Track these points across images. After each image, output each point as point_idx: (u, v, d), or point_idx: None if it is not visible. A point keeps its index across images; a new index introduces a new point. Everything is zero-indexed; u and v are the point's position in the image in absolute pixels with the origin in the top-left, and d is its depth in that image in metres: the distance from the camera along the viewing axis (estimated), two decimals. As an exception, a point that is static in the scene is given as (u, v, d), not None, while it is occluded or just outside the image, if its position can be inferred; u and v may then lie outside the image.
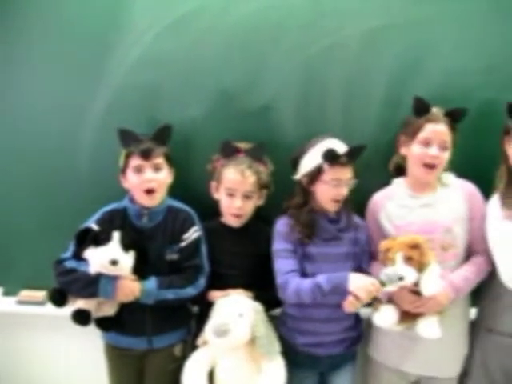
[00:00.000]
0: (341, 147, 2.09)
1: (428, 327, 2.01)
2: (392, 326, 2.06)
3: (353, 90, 2.35)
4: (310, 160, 2.12)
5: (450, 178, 2.21)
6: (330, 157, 2.06)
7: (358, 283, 1.99)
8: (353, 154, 2.08)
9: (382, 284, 1.96)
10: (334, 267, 2.11)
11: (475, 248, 2.16)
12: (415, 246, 1.98)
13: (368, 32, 2.32)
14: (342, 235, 2.15)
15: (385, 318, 2.04)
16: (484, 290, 2.19)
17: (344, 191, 2.11)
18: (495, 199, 2.09)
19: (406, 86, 2.32)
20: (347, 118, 2.36)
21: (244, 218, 2.24)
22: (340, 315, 2.09)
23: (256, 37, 2.34)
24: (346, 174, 2.10)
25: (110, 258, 2.00)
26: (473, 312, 2.25)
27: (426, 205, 2.15)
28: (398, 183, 2.24)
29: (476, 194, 2.17)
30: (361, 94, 2.35)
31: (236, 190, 2.18)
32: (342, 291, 2.00)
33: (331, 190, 2.10)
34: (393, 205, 2.20)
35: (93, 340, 2.35)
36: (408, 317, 2.04)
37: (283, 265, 2.12)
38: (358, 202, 2.23)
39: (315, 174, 2.11)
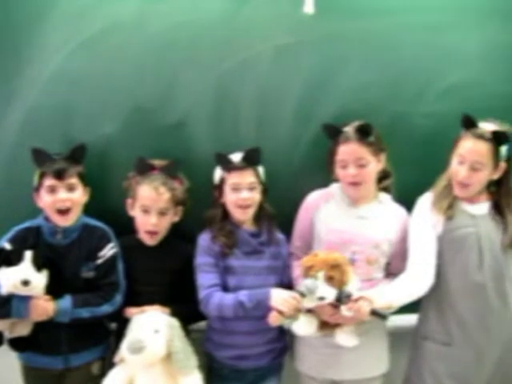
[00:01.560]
0: (238, 155, 2.16)
1: (345, 336, 2.07)
2: (310, 334, 2.11)
3: (265, 106, 2.41)
4: (217, 173, 2.21)
5: (387, 198, 2.29)
6: (223, 162, 2.16)
7: (279, 298, 2.05)
8: (248, 158, 2.15)
9: (302, 295, 2.00)
10: (256, 280, 2.16)
11: (395, 266, 2.24)
12: (336, 266, 2.02)
13: (279, 48, 2.39)
14: (263, 249, 2.21)
15: (304, 327, 2.08)
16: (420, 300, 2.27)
17: (245, 195, 2.16)
18: (428, 195, 2.21)
19: (316, 101, 2.41)
20: (260, 133, 2.41)
21: (159, 235, 2.25)
22: (263, 327, 2.14)
23: (169, 54, 2.36)
24: (244, 178, 2.16)
25: (21, 278, 1.98)
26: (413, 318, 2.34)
27: (361, 217, 2.22)
28: (337, 187, 2.29)
29: (407, 220, 2.26)
30: (273, 109, 2.41)
31: (151, 206, 2.19)
32: (263, 307, 2.05)
33: (233, 196, 2.16)
34: (329, 208, 2.26)
35: (9, 361, 2.30)
36: (326, 326, 2.10)
37: (205, 279, 2.16)
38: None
39: (220, 185, 2.19)
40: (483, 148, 2.08)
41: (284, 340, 2.32)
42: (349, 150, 2.16)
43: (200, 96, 2.38)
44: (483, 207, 2.16)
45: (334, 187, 2.30)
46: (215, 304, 2.11)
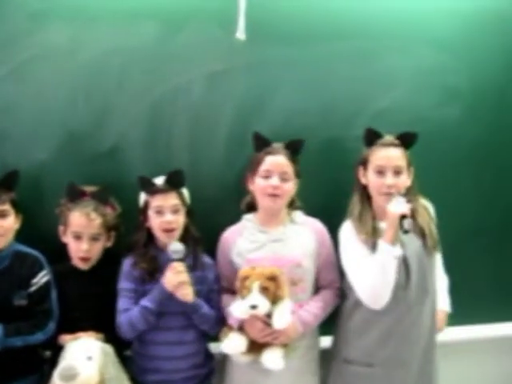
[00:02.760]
0: (161, 178, 2.19)
1: (272, 358, 2.08)
2: (239, 355, 2.13)
3: (198, 131, 2.46)
4: (141, 197, 2.23)
5: (299, 215, 2.32)
6: (145, 185, 2.19)
7: (169, 278, 2.09)
8: (171, 181, 2.18)
9: (180, 260, 2.11)
10: (179, 306, 2.15)
11: (322, 283, 2.28)
12: (273, 278, 2.06)
13: (211, 74, 2.44)
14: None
15: (233, 344, 2.10)
16: (336, 323, 2.31)
17: (169, 218, 2.17)
18: (348, 224, 2.22)
19: (249, 125, 2.45)
20: (194, 158, 2.45)
21: (92, 260, 2.26)
22: (187, 353, 2.18)
23: (101, 80, 2.39)
24: (167, 200, 2.17)
25: None
26: (327, 340, 2.37)
27: (276, 240, 2.24)
28: (248, 219, 2.32)
29: (323, 231, 2.30)
30: (206, 133, 2.46)
31: (82, 232, 2.20)
32: (167, 297, 2.10)
33: (157, 219, 2.18)
34: (243, 240, 2.26)
35: None
36: (255, 347, 2.11)
37: (121, 304, 2.17)
38: (209, 239, 2.31)
39: (145, 209, 2.21)
40: (397, 153, 2.17)
41: (210, 365, 2.34)
42: (277, 162, 2.20)
43: (133, 121, 2.41)
44: (409, 223, 2.16)
45: (246, 218, 2.33)
46: (126, 323, 2.13)
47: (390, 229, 2.04)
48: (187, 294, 2.10)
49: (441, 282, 2.37)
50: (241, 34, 2.41)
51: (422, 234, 2.19)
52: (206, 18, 2.44)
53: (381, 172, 2.15)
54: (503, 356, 2.88)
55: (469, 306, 2.59)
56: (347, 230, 2.22)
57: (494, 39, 2.71)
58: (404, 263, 2.14)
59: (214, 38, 2.44)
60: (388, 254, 2.03)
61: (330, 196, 2.39)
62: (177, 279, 2.08)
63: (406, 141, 2.19)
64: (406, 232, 2.01)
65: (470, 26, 2.68)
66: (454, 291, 2.43)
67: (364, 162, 2.23)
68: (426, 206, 2.28)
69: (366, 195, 2.23)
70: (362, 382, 2.22)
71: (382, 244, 2.05)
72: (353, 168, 2.29)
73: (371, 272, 2.07)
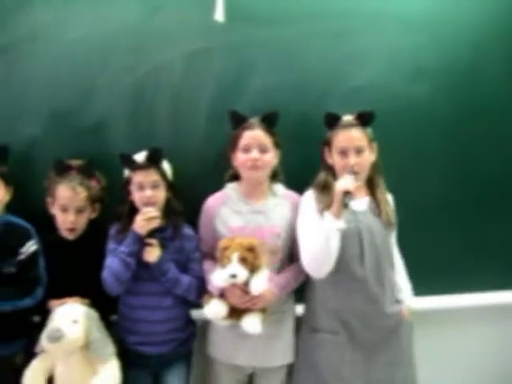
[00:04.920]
0: (141, 155, 2.31)
1: (251, 323, 2.21)
2: (220, 320, 2.26)
3: (180, 107, 2.57)
4: (125, 172, 2.35)
5: (280, 188, 2.44)
6: (126, 162, 2.31)
7: (138, 223, 2.24)
8: (151, 158, 2.29)
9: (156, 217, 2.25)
10: (155, 272, 2.29)
11: (296, 253, 2.38)
12: (251, 249, 2.18)
13: (190, 54, 2.55)
14: (166, 243, 2.32)
15: (214, 310, 2.23)
16: (305, 292, 2.44)
17: (148, 193, 2.29)
18: (310, 193, 2.34)
19: (228, 102, 2.55)
20: (175, 133, 2.57)
21: (78, 230, 2.38)
22: (168, 317, 2.33)
23: (86, 59, 2.50)
24: (147, 177, 2.29)
25: None
26: (299, 309, 2.49)
27: (258, 211, 2.36)
28: (232, 188, 2.42)
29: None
30: (187, 110, 2.57)
31: (68, 205, 2.32)
32: (137, 239, 2.25)
33: (138, 194, 2.30)
34: (227, 209, 2.37)
35: None
36: (235, 312, 2.24)
37: (106, 261, 2.30)
38: (190, 210, 2.42)
39: (127, 184, 2.33)
40: (357, 133, 2.29)
41: (190, 330, 2.46)
42: (254, 135, 2.32)
43: (117, 98, 2.53)
44: (363, 202, 2.32)
45: (229, 188, 2.43)
46: (109, 275, 2.25)
47: (335, 203, 2.16)
48: (151, 255, 2.25)
49: (398, 264, 2.46)
50: (219, 16, 2.51)
51: (378, 212, 2.33)
52: (187, -1, 2.55)
53: (343, 152, 2.28)
54: (468, 326, 2.99)
55: (435, 277, 2.74)
56: (308, 197, 2.34)
57: (464, 17, 2.79)
58: (358, 237, 2.27)
59: (193, 19, 2.54)
60: (331, 225, 2.15)
61: (303, 169, 2.47)
62: (146, 215, 2.23)
63: (364, 120, 2.31)
64: (345, 206, 2.14)
65: (441, 4, 2.76)
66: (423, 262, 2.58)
67: (328, 143, 2.36)
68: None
69: (331, 173, 2.36)
70: (328, 349, 2.33)
71: (327, 215, 2.17)
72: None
73: (315, 239, 2.19)
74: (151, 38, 2.52)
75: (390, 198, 2.42)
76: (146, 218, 2.23)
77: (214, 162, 2.56)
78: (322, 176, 2.37)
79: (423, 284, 2.54)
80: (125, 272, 2.25)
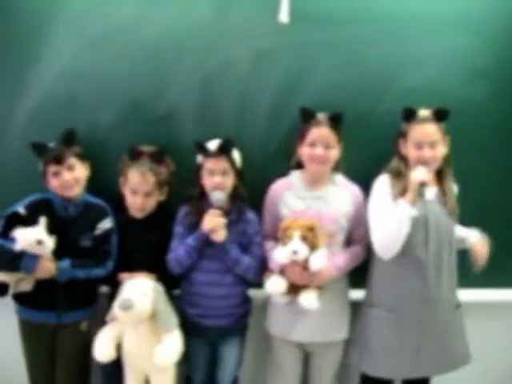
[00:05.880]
0: (215, 143, 2.48)
1: (308, 298, 2.36)
2: (279, 296, 2.42)
3: (244, 102, 2.73)
4: (198, 158, 2.53)
5: (340, 178, 2.60)
6: (200, 149, 2.48)
7: (206, 222, 2.40)
8: (222, 147, 2.45)
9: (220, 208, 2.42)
10: (219, 251, 2.47)
11: (354, 238, 2.58)
12: (311, 229, 2.35)
13: (256, 53, 2.72)
14: (230, 226, 2.48)
15: (274, 285, 2.38)
16: (368, 270, 2.59)
17: (218, 179, 2.45)
18: (384, 177, 2.49)
19: (290, 99, 2.72)
20: (239, 126, 2.74)
21: (146, 210, 2.57)
22: (227, 293, 2.51)
23: (160, 54, 2.70)
24: (218, 164, 2.46)
25: (36, 237, 2.30)
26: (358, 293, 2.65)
27: (319, 198, 2.52)
28: (296, 176, 2.59)
29: (360, 195, 2.57)
30: (251, 105, 2.73)
31: (138, 189, 2.51)
32: (202, 237, 2.42)
33: (208, 180, 2.48)
34: (290, 194, 2.54)
35: (7, 316, 2.63)
36: (294, 289, 2.40)
37: (172, 244, 2.52)
38: (254, 196, 2.60)
39: (199, 169, 2.51)
40: (432, 128, 2.43)
41: (246, 307, 2.63)
42: (321, 133, 2.47)
43: (187, 92, 2.72)
44: (432, 192, 2.40)
45: (293, 176, 2.59)
46: (173, 259, 2.47)
47: (410, 192, 2.32)
48: (219, 235, 2.41)
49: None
50: (284, 17, 2.65)
51: (444, 202, 2.46)
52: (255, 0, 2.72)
53: (419, 146, 2.42)
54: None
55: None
56: (382, 181, 2.49)
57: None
58: (425, 225, 2.40)
59: (260, 20, 2.70)
60: (404, 211, 2.29)
61: (361, 163, 2.65)
62: (212, 222, 2.39)
63: (440, 116, 2.45)
64: (421, 196, 2.29)
65: (497, 6, 2.79)
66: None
67: (404, 135, 2.50)
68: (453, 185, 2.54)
69: (404, 162, 2.50)
70: (382, 325, 2.48)
71: (402, 202, 2.32)
72: (382, 140, 2.62)
73: (389, 223, 2.33)
74: (220, 37, 2.70)
75: (455, 188, 2.56)
76: (212, 217, 2.40)
77: (274, 154, 2.74)
78: (395, 163, 2.53)
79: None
80: (187, 260, 2.46)
